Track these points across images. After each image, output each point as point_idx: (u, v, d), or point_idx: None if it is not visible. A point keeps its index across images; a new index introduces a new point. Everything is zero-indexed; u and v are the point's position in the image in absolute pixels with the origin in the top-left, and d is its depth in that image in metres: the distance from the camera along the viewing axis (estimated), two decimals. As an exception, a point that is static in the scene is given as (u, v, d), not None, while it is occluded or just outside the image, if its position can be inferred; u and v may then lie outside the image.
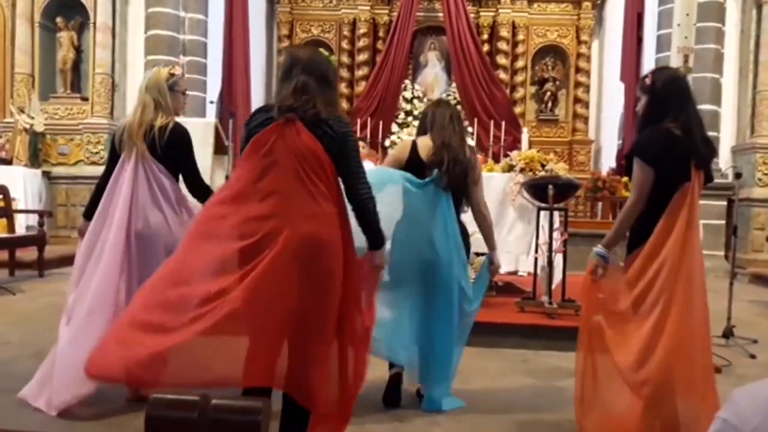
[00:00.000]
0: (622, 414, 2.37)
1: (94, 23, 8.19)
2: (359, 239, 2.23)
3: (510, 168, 5.36)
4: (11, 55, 8.26)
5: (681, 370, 2.31)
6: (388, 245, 2.39)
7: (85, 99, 8.36)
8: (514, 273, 6.14)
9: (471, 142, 9.48)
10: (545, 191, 4.31)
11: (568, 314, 4.11)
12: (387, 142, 9.74)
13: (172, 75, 2.85)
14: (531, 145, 7.96)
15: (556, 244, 4.37)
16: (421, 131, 3.07)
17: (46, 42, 8.38)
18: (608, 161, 9.71)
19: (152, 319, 1.98)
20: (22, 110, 7.88)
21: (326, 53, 2.31)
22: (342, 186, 2.12)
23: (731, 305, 4.19)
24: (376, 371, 2.75)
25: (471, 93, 9.81)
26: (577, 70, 10.34)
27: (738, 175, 4.81)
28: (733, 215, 4.63)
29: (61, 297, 4.75)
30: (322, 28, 10.63)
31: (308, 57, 2.17)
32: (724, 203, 7.39)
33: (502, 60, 10.24)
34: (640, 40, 8.59)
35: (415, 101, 10.28)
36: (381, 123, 9.47)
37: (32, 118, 7.83)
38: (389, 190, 2.77)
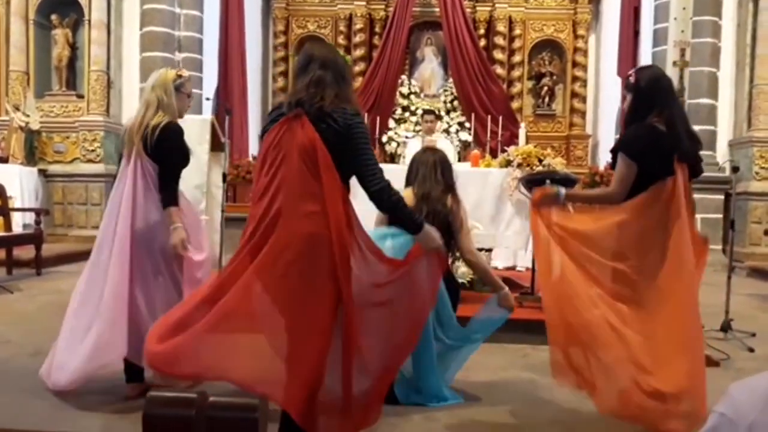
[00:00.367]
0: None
1: (89, 20, 8.13)
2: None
3: (507, 163, 5.36)
4: (6, 52, 8.20)
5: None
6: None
7: (80, 96, 8.31)
8: (513, 268, 6.16)
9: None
10: (543, 186, 4.30)
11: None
12: (384, 138, 9.73)
13: (180, 76, 2.91)
14: (528, 140, 7.93)
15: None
16: (407, 182, 3.17)
17: (40, 39, 8.33)
18: (605, 156, 9.67)
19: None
20: (17, 108, 7.84)
21: (341, 52, 2.34)
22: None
23: (729, 299, 4.20)
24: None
25: (468, 88, 9.79)
26: (574, 64, 10.31)
27: (735, 169, 4.79)
28: (731, 209, 4.64)
29: (59, 295, 4.77)
30: (318, 24, 10.58)
31: (325, 53, 2.19)
32: (722, 197, 7.38)
33: (498, 55, 10.20)
34: (636, 34, 8.58)
35: (412, 97, 10.26)
36: (378, 119, 9.43)
37: (28, 115, 7.79)
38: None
